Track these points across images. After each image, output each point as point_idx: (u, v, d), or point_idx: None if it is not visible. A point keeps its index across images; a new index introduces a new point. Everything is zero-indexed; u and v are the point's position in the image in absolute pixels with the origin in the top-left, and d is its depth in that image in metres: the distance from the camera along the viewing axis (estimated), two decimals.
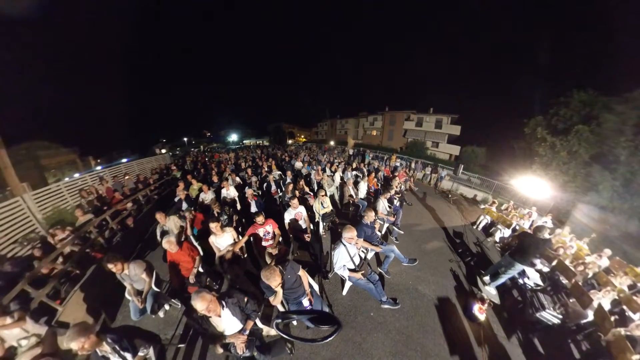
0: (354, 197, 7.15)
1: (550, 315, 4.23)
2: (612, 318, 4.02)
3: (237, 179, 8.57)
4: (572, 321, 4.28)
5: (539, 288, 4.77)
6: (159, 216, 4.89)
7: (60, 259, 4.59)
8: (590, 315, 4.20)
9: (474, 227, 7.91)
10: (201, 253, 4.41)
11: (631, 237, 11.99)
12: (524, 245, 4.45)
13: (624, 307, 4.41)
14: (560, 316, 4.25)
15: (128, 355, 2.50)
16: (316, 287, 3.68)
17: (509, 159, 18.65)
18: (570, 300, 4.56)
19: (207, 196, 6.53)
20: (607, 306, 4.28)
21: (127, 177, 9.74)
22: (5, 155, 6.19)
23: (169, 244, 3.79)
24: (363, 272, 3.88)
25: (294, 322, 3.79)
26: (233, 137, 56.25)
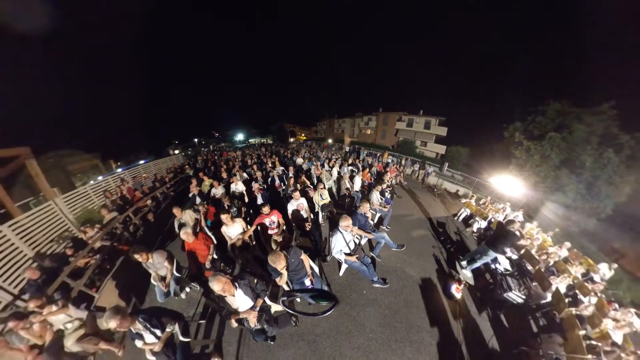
0: (350, 189, 7.15)
1: (516, 296, 4.36)
2: (566, 300, 4.19)
3: (244, 174, 8.51)
4: (534, 301, 4.43)
5: (507, 272, 4.86)
6: (176, 210, 4.90)
7: (92, 253, 4.63)
8: (549, 297, 4.35)
9: (455, 218, 7.91)
10: (215, 242, 4.43)
11: (588, 233, 12.59)
12: (498, 236, 4.50)
13: (577, 291, 4.56)
14: (524, 297, 4.39)
15: (157, 332, 2.60)
16: (316, 269, 3.73)
17: (489, 159, 18.51)
18: (533, 284, 4.69)
19: (218, 191, 6.49)
20: (563, 290, 4.44)
21: (145, 177, 9.68)
22: (36, 164, 6.18)
23: (186, 234, 3.80)
24: (357, 255, 3.92)
25: (298, 299, 3.87)
26: (239, 136, 55.62)
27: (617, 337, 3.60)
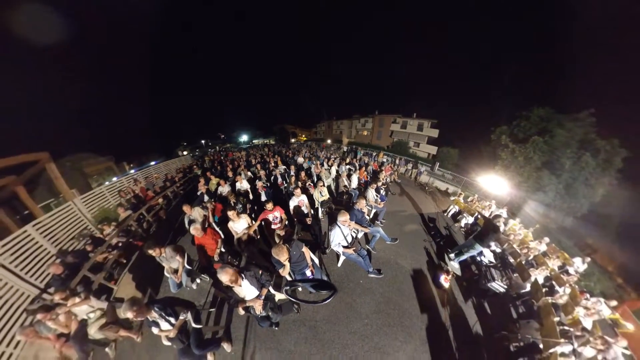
0: (348, 187, 7.12)
1: (498, 285, 4.43)
2: (544, 290, 4.25)
3: (249, 173, 8.47)
4: (514, 291, 4.50)
5: (491, 264, 4.90)
6: (186, 208, 4.87)
7: (110, 249, 4.66)
8: (528, 287, 4.42)
9: (445, 214, 7.89)
10: (222, 236, 4.44)
11: (565, 230, 12.87)
12: (485, 231, 4.53)
13: (553, 282, 4.63)
14: (506, 286, 4.46)
15: (172, 319, 2.63)
16: (316, 261, 3.73)
17: (477, 160, 18.47)
18: (514, 275, 4.76)
19: (224, 189, 6.46)
20: (541, 280, 4.51)
21: (156, 177, 9.70)
22: (55, 168, 6.17)
23: (195, 230, 3.81)
24: (354, 248, 3.93)
25: (300, 289, 3.89)
26: (243, 137, 55.40)
27: (587, 323, 3.71)
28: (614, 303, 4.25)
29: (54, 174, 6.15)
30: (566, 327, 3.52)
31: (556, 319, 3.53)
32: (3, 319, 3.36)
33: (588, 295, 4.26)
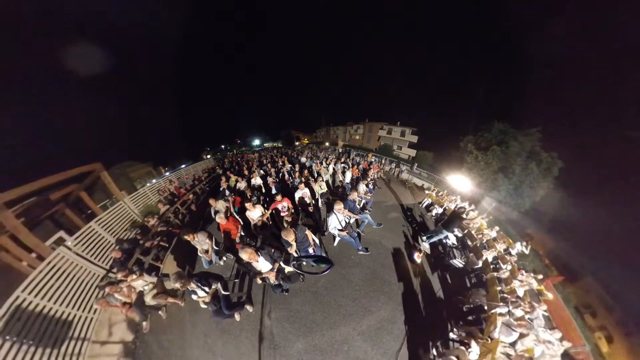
0: (342, 181, 7.06)
1: (458, 262, 4.59)
2: (491, 266, 4.42)
3: (261, 171, 8.32)
4: (470, 266, 4.66)
5: (454, 246, 5.00)
6: (211, 201, 4.85)
7: (155, 236, 4.70)
8: (480, 264, 4.56)
9: (420, 205, 7.87)
10: (242, 223, 4.45)
11: (511, 221, 13.51)
12: (450, 220, 4.62)
13: (499, 260, 4.74)
14: (463, 263, 4.62)
15: (206, 288, 2.79)
16: (317, 241, 3.77)
17: (447, 162, 18.74)
18: (470, 254, 4.89)
19: (242, 185, 6.39)
20: (490, 259, 4.65)
21: (187, 177, 9.73)
22: (107, 175, 6.28)
23: (220, 219, 3.87)
24: (347, 231, 3.99)
25: (304, 263, 3.91)
26: (256, 141, 54.98)
27: (520, 292, 3.93)
28: (540, 278, 4.40)
29: (107, 180, 6.26)
30: (505, 295, 3.72)
31: (498, 288, 3.78)
32: (83, 293, 3.55)
33: (523, 272, 4.41)
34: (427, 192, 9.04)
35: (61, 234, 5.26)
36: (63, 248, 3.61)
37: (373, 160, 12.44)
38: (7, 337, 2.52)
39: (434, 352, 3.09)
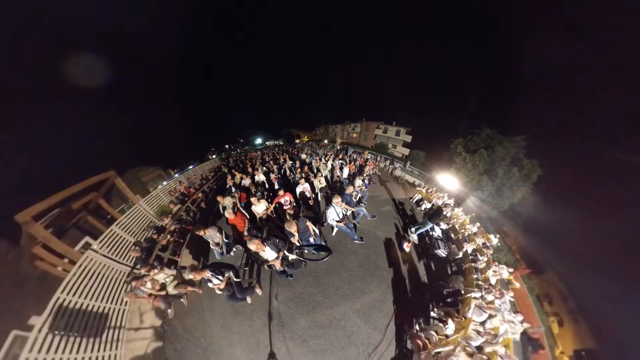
0: (340, 177, 7.11)
1: (442, 252, 4.76)
2: (470, 257, 4.61)
3: (264, 168, 8.40)
4: (451, 256, 4.85)
5: (439, 237, 5.14)
6: (219, 198, 4.78)
7: (170, 234, 4.87)
8: (460, 254, 4.76)
9: (411, 200, 7.93)
10: (248, 217, 4.47)
11: (491, 219, 14.13)
12: (436, 214, 4.75)
13: (477, 252, 4.88)
14: (446, 253, 4.78)
15: (220, 277, 2.95)
16: (317, 231, 3.82)
17: (438, 162, 19.02)
18: (453, 246, 5.05)
19: (246, 181, 6.35)
20: (470, 251, 4.82)
21: (195, 177, 9.78)
22: (121, 181, 6.37)
23: (228, 214, 3.97)
24: (344, 222, 4.08)
25: (306, 251, 3.99)
26: (258, 140, 54.46)
27: (493, 280, 4.12)
28: (510, 269, 4.56)
29: (121, 186, 6.35)
30: (480, 282, 3.95)
31: (475, 276, 4.02)
32: (113, 288, 3.75)
33: (497, 263, 4.57)
34: (417, 188, 9.15)
35: (87, 239, 5.39)
36: (90, 251, 3.76)
37: (369, 157, 12.35)
38: (56, 332, 2.73)
39: (417, 327, 3.37)
